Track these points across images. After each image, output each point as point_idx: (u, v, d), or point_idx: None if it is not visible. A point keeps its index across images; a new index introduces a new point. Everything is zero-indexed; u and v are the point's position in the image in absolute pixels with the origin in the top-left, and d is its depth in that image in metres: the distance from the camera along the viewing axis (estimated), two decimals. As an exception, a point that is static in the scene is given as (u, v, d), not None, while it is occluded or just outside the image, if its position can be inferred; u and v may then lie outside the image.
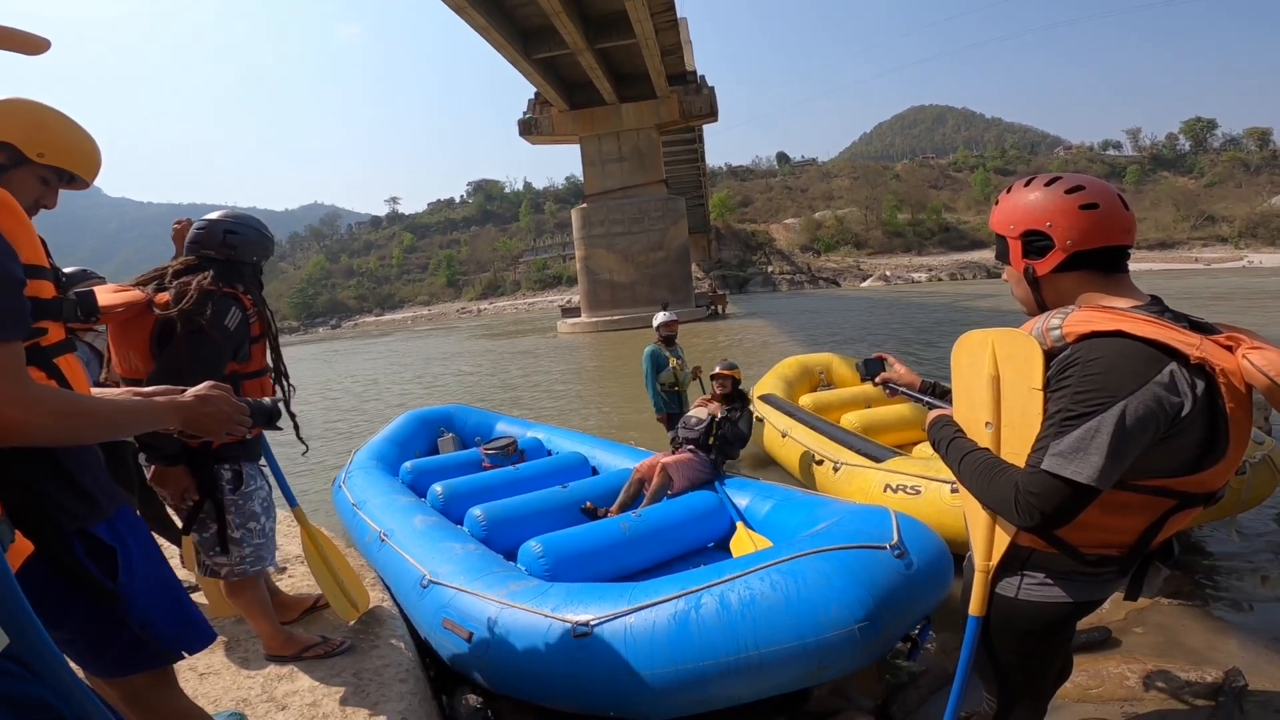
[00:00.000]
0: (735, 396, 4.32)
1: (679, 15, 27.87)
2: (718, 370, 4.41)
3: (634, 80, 29.93)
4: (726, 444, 4.01)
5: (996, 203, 1.38)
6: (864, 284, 57.26)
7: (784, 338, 18.27)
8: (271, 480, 2.44)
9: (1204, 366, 1.12)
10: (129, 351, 2.06)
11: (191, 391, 1.28)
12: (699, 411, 4.23)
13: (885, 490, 3.57)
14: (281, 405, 1.72)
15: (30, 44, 0.98)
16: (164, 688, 1.47)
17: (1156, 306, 1.22)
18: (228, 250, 2.21)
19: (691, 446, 3.96)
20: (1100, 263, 1.25)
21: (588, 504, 3.69)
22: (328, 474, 6.24)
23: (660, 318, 5.48)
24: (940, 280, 54.41)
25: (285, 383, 2.39)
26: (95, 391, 1.34)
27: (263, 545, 2.24)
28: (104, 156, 1.54)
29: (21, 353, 1.04)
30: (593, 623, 2.16)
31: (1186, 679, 2.33)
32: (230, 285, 2.17)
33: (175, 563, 3.15)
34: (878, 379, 1.85)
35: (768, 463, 5.46)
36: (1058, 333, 1.22)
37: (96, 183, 1.59)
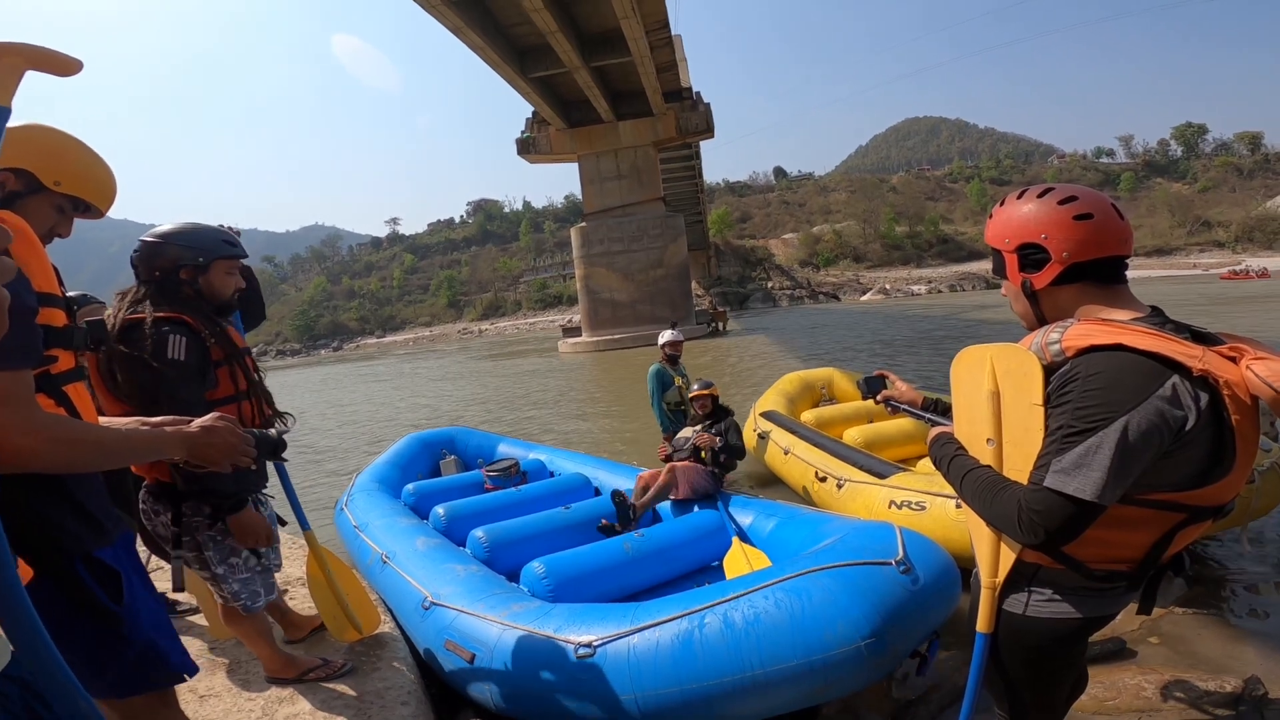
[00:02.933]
0: (717, 413, 4.30)
1: (673, 32, 28.15)
2: (695, 391, 4.35)
3: (630, 98, 30.17)
4: (723, 455, 4.00)
5: (990, 216, 1.37)
6: (864, 297, 57.43)
7: (785, 353, 18.27)
8: (285, 508, 2.43)
9: (1207, 379, 1.10)
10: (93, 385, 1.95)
11: (197, 422, 1.29)
12: (686, 431, 4.23)
13: (890, 506, 3.55)
14: (286, 437, 1.71)
15: (63, 65, 0.99)
16: (165, 709, 1.48)
17: (1157, 318, 1.20)
18: (149, 272, 2.00)
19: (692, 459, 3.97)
20: (1098, 274, 1.24)
21: (603, 521, 3.68)
22: (330, 497, 6.23)
23: (666, 336, 5.48)
24: (940, 292, 54.57)
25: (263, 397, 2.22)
26: (103, 420, 1.35)
27: (250, 580, 2.12)
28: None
29: (31, 381, 1.06)
30: (596, 643, 2.14)
31: (1205, 689, 2.30)
32: (173, 310, 1.94)
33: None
34: (879, 396, 1.84)
35: (771, 480, 5.43)
36: (1057, 347, 1.20)
37: None
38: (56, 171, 1.39)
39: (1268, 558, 3.44)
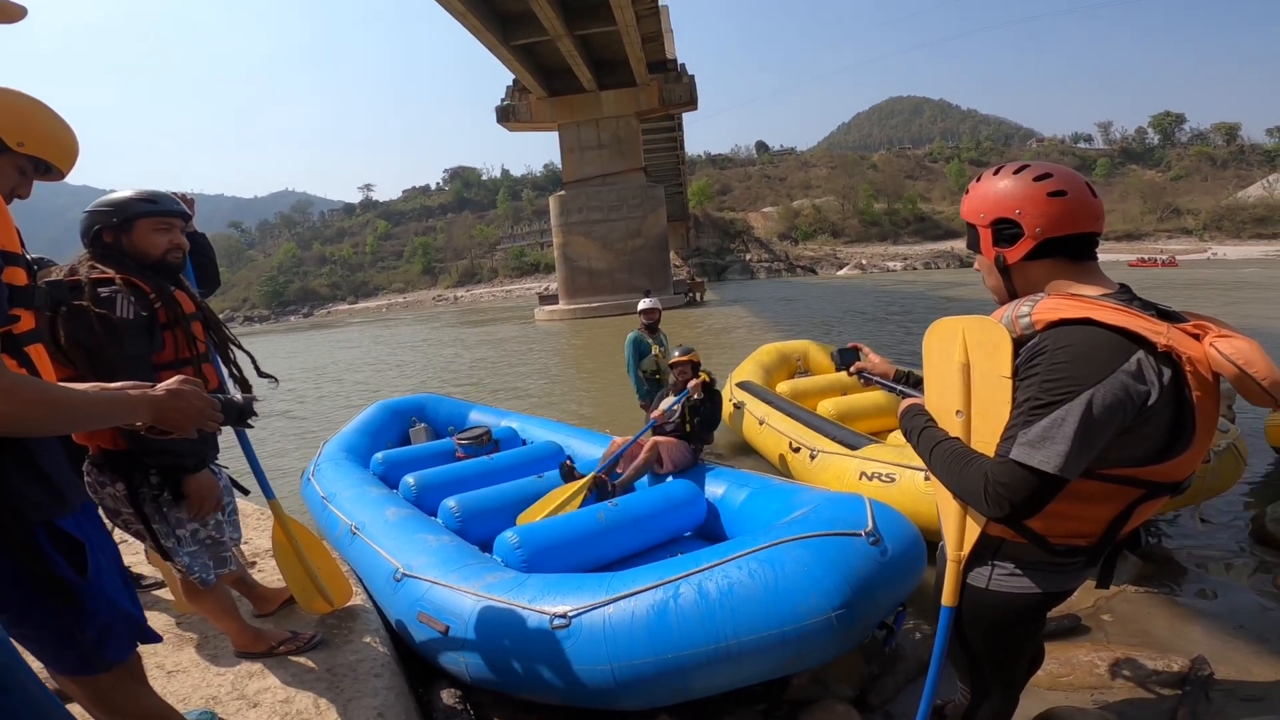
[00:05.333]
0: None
1: (660, 3, 27.63)
2: (676, 357, 4.28)
3: (614, 67, 29.63)
4: (703, 427, 4.00)
5: (967, 192, 1.38)
6: (840, 272, 57.94)
7: (762, 325, 18.36)
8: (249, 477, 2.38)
9: (1171, 355, 1.12)
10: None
11: (163, 385, 1.25)
12: (669, 402, 4.15)
13: (861, 478, 3.60)
14: (254, 403, 1.67)
15: (5, 12, 0.94)
16: (133, 685, 1.45)
17: (1125, 295, 1.23)
18: (83, 240, 1.98)
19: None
20: (1069, 250, 1.26)
21: (567, 460, 3.67)
22: (296, 466, 6.15)
23: (644, 304, 5.47)
24: (915, 269, 55.19)
25: (233, 366, 2.20)
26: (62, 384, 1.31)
27: (198, 553, 2.06)
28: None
29: None
30: (571, 614, 2.15)
31: (1153, 668, 2.37)
32: (117, 271, 1.88)
33: (140, 557, 3.08)
34: (853, 368, 1.85)
35: (745, 450, 5.48)
36: (1027, 320, 1.23)
37: None
38: (20, 133, 1.38)
39: (1219, 538, 3.53)
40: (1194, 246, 57.93)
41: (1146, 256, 46.81)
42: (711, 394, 4.11)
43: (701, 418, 3.97)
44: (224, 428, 1.61)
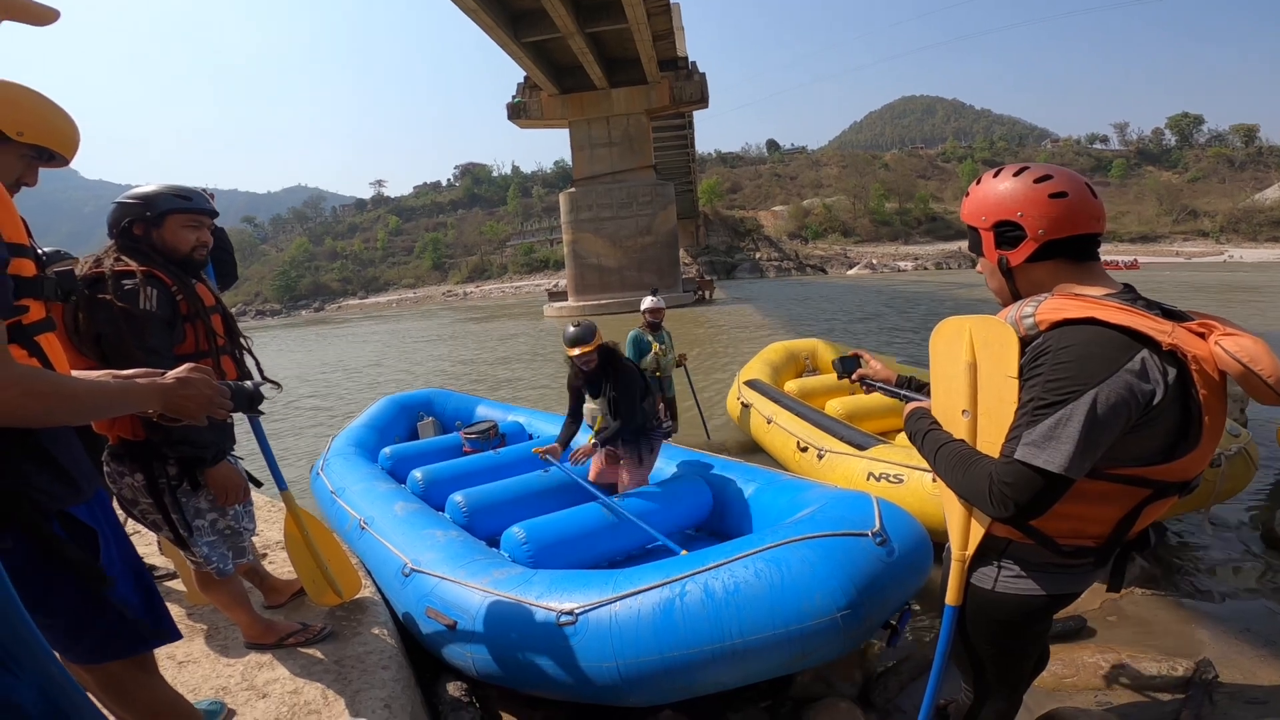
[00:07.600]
0: (605, 367, 3.46)
1: (671, 0, 27.61)
2: (573, 350, 3.39)
3: (625, 65, 29.66)
4: (628, 428, 3.42)
5: (967, 194, 1.38)
6: (850, 272, 57.68)
7: (771, 323, 18.32)
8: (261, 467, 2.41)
9: (1176, 353, 1.12)
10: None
11: (172, 374, 1.27)
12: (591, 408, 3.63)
13: (869, 478, 3.59)
14: (263, 389, 1.69)
15: (38, 15, 0.96)
16: (143, 675, 1.47)
17: (1129, 294, 1.22)
18: (109, 231, 2.01)
19: (612, 449, 3.63)
20: (1071, 251, 1.25)
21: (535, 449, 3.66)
22: (305, 460, 6.19)
23: (647, 303, 5.48)
24: (926, 269, 54.85)
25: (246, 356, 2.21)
26: (74, 373, 1.33)
27: (217, 543, 2.10)
28: (82, 138, 1.54)
29: (3, 331, 1.04)
30: (577, 610, 2.16)
31: (1158, 670, 2.36)
32: (139, 264, 1.90)
33: (153, 548, 3.12)
34: (854, 375, 1.86)
35: (754, 448, 5.48)
36: (1031, 320, 1.23)
37: (73, 165, 1.60)
38: (18, 122, 1.38)
39: (1228, 541, 3.51)
40: (1210, 249, 57.24)
41: (1108, 259, 47.88)
42: (618, 374, 3.40)
43: (620, 413, 3.38)
44: (238, 417, 1.63)
